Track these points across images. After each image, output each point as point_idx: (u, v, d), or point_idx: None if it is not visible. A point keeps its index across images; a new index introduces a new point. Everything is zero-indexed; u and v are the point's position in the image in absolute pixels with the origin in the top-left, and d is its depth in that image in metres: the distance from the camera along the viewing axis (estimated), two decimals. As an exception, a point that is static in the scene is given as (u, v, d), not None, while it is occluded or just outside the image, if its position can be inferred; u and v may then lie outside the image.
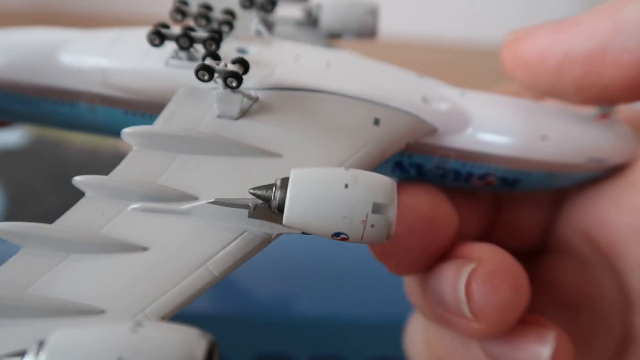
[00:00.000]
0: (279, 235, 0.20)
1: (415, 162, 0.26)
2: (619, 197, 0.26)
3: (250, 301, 0.39)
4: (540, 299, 0.28)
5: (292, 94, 0.24)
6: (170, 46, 0.25)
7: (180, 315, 0.18)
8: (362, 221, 0.18)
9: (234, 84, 0.22)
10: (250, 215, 0.19)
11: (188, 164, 0.21)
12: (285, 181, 0.19)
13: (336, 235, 0.18)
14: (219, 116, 0.23)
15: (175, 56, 0.25)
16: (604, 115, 0.26)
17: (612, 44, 0.22)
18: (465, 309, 0.23)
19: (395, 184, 0.19)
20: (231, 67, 0.22)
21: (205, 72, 0.22)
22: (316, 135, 0.23)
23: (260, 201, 0.19)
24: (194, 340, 0.15)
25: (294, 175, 0.18)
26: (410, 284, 0.27)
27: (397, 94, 0.25)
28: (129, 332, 0.15)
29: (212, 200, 0.20)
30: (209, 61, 0.22)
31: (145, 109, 0.26)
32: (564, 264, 0.28)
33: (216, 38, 0.24)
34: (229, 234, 0.19)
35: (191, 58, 0.25)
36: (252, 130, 0.23)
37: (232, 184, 0.21)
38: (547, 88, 0.24)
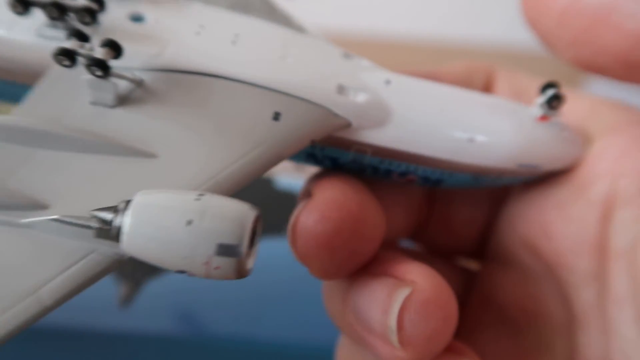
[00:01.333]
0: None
1: (329, 155, 0.23)
2: (565, 206, 0.24)
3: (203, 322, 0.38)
4: (481, 314, 0.26)
5: (182, 78, 0.21)
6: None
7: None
8: (204, 263, 0.16)
9: (99, 73, 0.19)
10: (96, 237, 0.17)
11: (46, 163, 0.19)
12: (129, 203, 0.16)
13: (180, 272, 0.16)
14: (92, 103, 0.20)
15: (51, 25, 0.21)
16: (544, 117, 0.23)
17: (620, 5, 0.20)
18: (394, 338, 0.21)
19: (253, 217, 0.16)
20: (97, 53, 0.19)
21: (63, 58, 0.19)
22: (202, 131, 0.20)
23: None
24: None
25: (136, 202, 0.16)
26: (328, 291, 0.24)
27: (308, 82, 0.22)
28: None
29: (54, 217, 0.17)
30: (72, 43, 0.19)
31: (24, 80, 0.22)
32: (505, 275, 0.26)
33: (92, 9, 0.20)
34: (73, 255, 0.17)
35: (69, 28, 0.21)
36: (129, 122, 0.20)
37: (92, 190, 0.18)
38: (545, 32, 0.22)
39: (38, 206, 0.17)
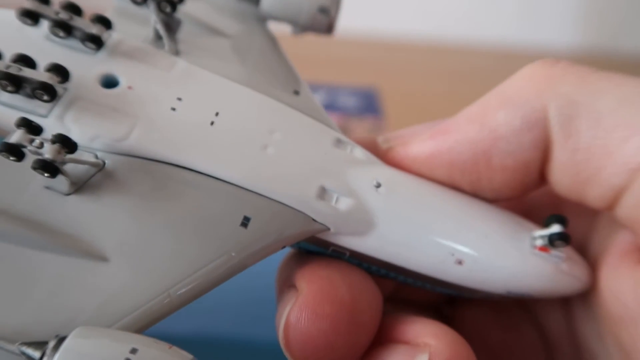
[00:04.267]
0: None
1: (306, 247, 0.22)
2: None
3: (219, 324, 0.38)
4: None
5: (148, 167, 0.19)
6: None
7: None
8: None
9: (47, 175, 0.17)
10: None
11: None
12: (60, 343, 0.15)
13: None
14: (47, 187, 0.18)
15: (11, 90, 0.19)
16: (544, 248, 0.21)
17: (494, 150, 0.21)
18: None
19: None
20: (47, 151, 0.17)
21: (9, 154, 0.17)
22: (162, 235, 0.18)
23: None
24: None
25: (66, 347, 0.15)
26: None
27: (288, 184, 0.20)
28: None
29: None
30: (19, 136, 0.17)
31: None
32: (479, 312, 0.26)
33: (48, 87, 0.18)
34: None
35: (29, 95, 0.19)
36: (83, 214, 0.18)
37: (31, 292, 0.17)
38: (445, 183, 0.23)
39: None
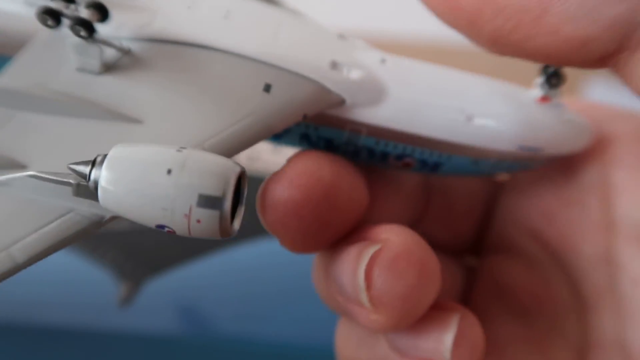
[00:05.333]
0: (113, 217, 0.17)
1: (323, 135, 0.23)
2: (562, 191, 0.24)
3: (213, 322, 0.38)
4: (490, 303, 0.25)
5: (172, 49, 0.21)
6: None
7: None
8: (185, 215, 0.15)
9: (83, 34, 0.19)
10: (75, 194, 0.16)
11: (26, 125, 0.18)
12: (105, 158, 0.16)
13: (160, 227, 0.16)
14: (78, 69, 0.20)
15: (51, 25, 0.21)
16: (545, 98, 0.23)
17: (556, 6, 0.16)
18: (364, 297, 0.20)
19: (237, 171, 0.16)
20: (82, 14, 0.19)
21: (48, 17, 0.19)
22: (190, 98, 0.20)
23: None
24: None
25: (113, 153, 0.16)
26: (313, 267, 0.24)
27: (300, 56, 0.22)
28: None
29: (31, 173, 0.17)
30: (56, 3, 0.19)
31: (6, 51, 0.22)
32: (510, 264, 0.25)
33: (87, 24, 0.20)
34: (49, 214, 0.16)
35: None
36: (115, 88, 0.20)
37: (74, 152, 0.17)
38: (461, 28, 0.19)
39: (16, 166, 0.17)
